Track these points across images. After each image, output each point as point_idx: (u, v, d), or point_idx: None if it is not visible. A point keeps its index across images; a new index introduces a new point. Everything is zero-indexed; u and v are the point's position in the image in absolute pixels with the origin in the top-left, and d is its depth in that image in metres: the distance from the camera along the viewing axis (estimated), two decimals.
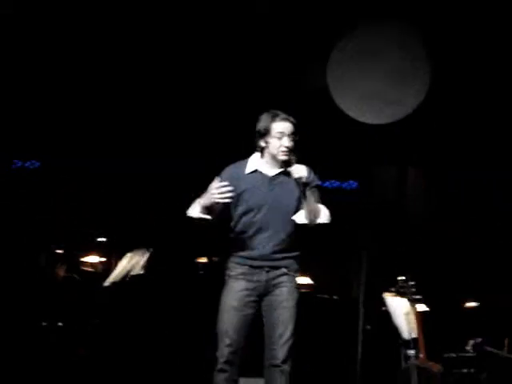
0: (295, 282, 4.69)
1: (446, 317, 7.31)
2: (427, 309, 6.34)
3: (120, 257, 7.09)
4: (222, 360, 4.55)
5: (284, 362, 4.54)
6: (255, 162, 4.69)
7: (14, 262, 7.16)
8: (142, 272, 6.70)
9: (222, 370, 4.56)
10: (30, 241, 7.52)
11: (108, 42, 7.28)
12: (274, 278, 4.62)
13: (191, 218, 4.58)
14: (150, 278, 6.91)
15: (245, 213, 4.63)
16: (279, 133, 4.57)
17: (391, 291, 5.78)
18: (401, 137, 7.41)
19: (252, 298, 4.61)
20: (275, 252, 4.61)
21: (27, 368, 6.22)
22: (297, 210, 4.64)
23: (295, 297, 4.64)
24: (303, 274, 8.64)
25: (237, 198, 4.61)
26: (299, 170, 4.55)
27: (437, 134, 7.45)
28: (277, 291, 4.62)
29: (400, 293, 5.56)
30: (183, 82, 7.51)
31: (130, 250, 6.88)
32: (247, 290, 4.61)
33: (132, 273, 6.68)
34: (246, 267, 4.63)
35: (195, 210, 4.57)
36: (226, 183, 4.48)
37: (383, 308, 6.08)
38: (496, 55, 6.88)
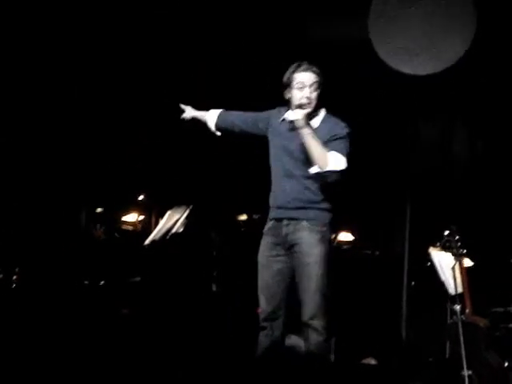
0: (321, 234, 4.53)
1: (493, 271, 7.21)
2: (473, 263, 6.27)
3: (160, 215, 7.10)
4: (262, 317, 4.57)
5: (311, 318, 4.45)
6: (287, 112, 4.68)
7: (56, 221, 7.19)
8: (181, 230, 6.68)
9: (262, 328, 4.57)
10: (71, 200, 7.52)
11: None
12: (293, 232, 4.53)
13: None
14: (189, 235, 6.89)
15: (272, 159, 4.66)
16: (300, 83, 4.54)
17: (437, 246, 5.74)
18: (446, 90, 7.24)
19: (278, 253, 4.57)
20: (297, 202, 4.53)
21: (69, 327, 6.24)
22: None
23: (319, 251, 4.49)
24: (345, 229, 8.63)
25: (269, 144, 4.69)
26: (294, 114, 4.51)
27: (482, 86, 7.27)
28: (296, 247, 4.52)
29: (446, 247, 5.53)
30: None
31: (170, 207, 6.88)
32: (271, 244, 4.58)
33: (172, 231, 6.66)
34: (273, 221, 4.61)
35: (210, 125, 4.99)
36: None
37: (428, 263, 6.04)
38: None
